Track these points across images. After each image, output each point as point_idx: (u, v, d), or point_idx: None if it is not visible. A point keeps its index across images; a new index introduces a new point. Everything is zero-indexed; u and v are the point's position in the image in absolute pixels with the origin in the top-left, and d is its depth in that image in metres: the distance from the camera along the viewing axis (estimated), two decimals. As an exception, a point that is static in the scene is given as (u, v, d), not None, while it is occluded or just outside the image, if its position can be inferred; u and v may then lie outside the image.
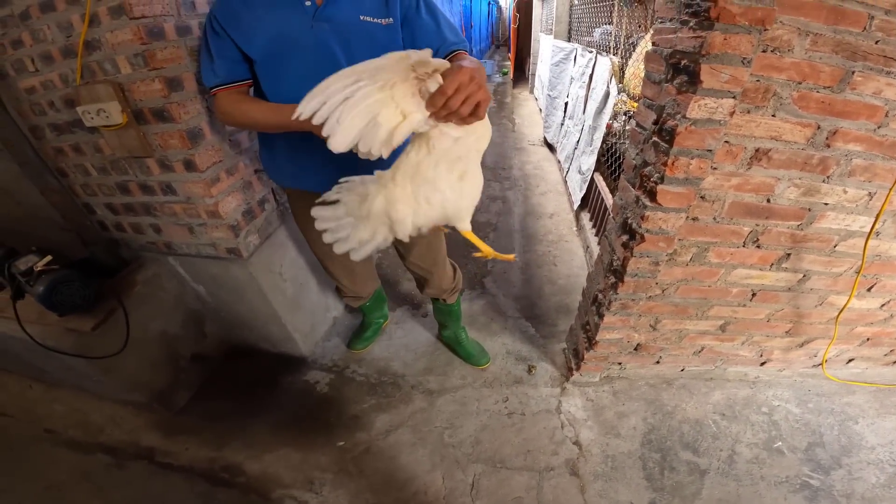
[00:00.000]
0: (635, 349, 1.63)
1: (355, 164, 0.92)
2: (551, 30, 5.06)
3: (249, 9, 0.98)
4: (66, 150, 1.37)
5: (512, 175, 3.99)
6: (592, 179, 2.78)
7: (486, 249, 0.97)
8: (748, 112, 0.97)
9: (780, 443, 1.56)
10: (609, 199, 2.41)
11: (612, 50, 3.04)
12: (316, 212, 0.95)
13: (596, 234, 2.61)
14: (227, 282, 1.61)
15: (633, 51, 2.60)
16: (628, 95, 2.61)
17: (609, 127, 2.55)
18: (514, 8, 8.77)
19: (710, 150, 0.98)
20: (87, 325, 1.35)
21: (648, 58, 1.10)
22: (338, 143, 0.67)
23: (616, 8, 3.01)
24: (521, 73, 9.13)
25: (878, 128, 1.00)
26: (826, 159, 1.05)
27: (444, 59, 0.88)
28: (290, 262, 1.75)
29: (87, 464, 1.60)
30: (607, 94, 2.49)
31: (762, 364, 1.72)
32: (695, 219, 1.16)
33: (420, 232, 0.86)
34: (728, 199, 1.12)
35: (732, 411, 1.67)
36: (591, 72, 2.89)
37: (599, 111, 2.60)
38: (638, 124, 1.17)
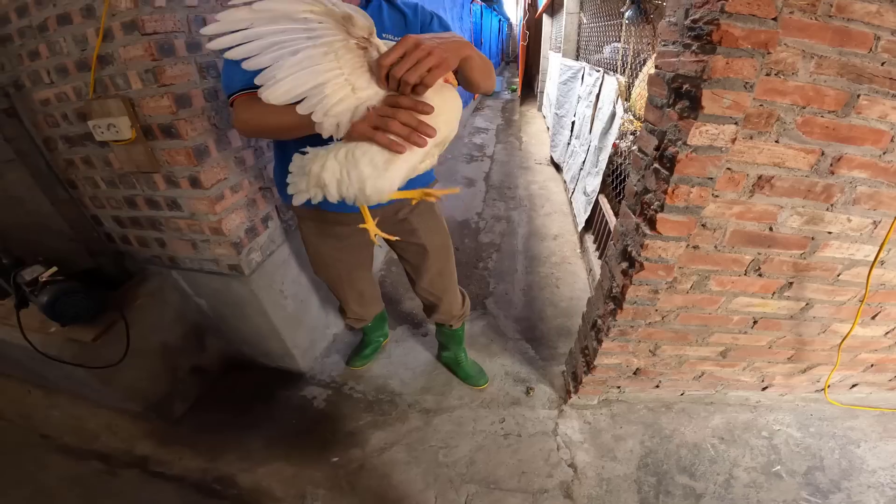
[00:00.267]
0: (634, 373, 1.61)
1: None
2: (560, 48, 5.08)
3: None
4: (76, 163, 1.40)
5: (517, 195, 3.99)
6: (597, 201, 2.76)
7: (414, 194, 0.97)
8: (751, 138, 0.95)
9: (778, 467, 1.54)
10: (613, 223, 2.39)
11: (620, 68, 3.04)
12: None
13: (599, 257, 2.59)
14: (228, 297, 1.61)
15: (643, 68, 2.60)
16: (634, 116, 2.61)
17: (615, 146, 2.53)
18: (524, 25, 8.88)
19: (712, 178, 0.97)
20: (88, 335, 1.36)
21: (651, 81, 1.09)
22: (272, 97, 0.66)
23: (624, 27, 3.03)
24: (530, 89, 9.23)
25: (884, 153, 0.98)
26: (830, 187, 1.03)
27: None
28: (291, 279, 1.75)
29: (80, 470, 1.60)
30: (613, 115, 2.49)
31: (764, 389, 1.69)
32: (695, 247, 1.15)
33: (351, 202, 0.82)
34: (730, 228, 1.11)
35: (732, 435, 1.65)
36: (598, 91, 2.88)
37: (605, 131, 2.59)
38: (640, 149, 1.16)
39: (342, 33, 0.64)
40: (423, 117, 0.71)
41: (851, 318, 1.32)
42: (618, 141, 2.53)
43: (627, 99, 2.68)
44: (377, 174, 0.75)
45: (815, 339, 1.43)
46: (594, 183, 2.75)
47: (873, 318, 1.37)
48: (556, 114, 4.46)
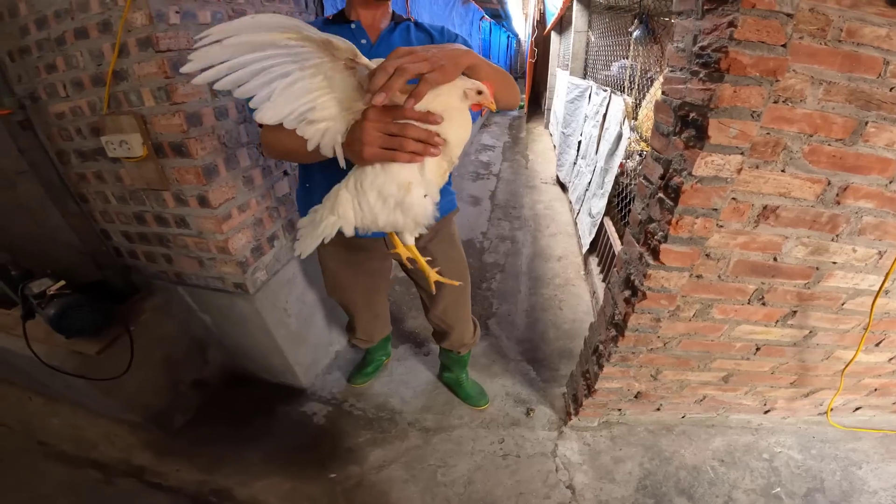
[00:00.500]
0: (635, 397, 1.60)
1: None
2: (568, 66, 5.08)
3: None
4: (88, 177, 1.41)
5: (522, 214, 3.97)
6: (602, 224, 2.74)
7: (428, 272, 0.97)
8: (756, 167, 0.94)
9: (778, 489, 1.52)
10: (618, 246, 2.37)
11: (627, 87, 3.05)
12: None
13: (603, 280, 2.57)
14: (232, 314, 1.62)
15: (651, 86, 2.59)
16: (640, 136, 2.61)
17: (622, 166, 2.50)
18: (532, 42, 8.95)
19: (716, 209, 0.96)
20: (92, 348, 1.36)
21: (658, 107, 1.07)
22: (264, 118, 0.66)
23: (632, 46, 3.05)
24: (537, 106, 9.26)
25: (890, 182, 0.96)
26: (836, 217, 1.02)
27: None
28: (296, 297, 1.76)
29: (76, 478, 1.59)
30: (620, 136, 2.47)
31: (766, 412, 1.67)
32: (699, 276, 1.14)
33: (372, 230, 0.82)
34: (734, 258, 1.10)
35: (732, 458, 1.63)
36: (604, 111, 2.86)
37: (612, 153, 2.58)
38: (645, 177, 1.15)
39: (328, 56, 0.64)
40: (432, 127, 0.70)
41: (855, 345, 1.31)
42: (624, 161, 2.50)
43: (635, 118, 2.68)
44: (388, 211, 0.76)
45: (819, 365, 1.42)
46: (599, 205, 2.73)
47: (877, 344, 1.36)
48: (563, 132, 4.44)
